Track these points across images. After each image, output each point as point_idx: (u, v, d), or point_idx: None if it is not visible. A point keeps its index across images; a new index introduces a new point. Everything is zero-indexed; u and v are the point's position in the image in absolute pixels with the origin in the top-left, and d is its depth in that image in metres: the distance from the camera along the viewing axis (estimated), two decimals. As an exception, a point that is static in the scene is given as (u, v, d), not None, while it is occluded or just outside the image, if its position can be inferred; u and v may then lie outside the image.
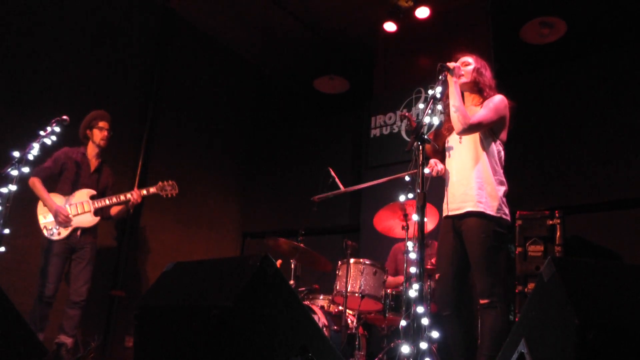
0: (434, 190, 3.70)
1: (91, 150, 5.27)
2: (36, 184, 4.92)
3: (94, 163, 5.27)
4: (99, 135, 5.26)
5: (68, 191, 5.05)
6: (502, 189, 3.57)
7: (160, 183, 5.35)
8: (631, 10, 6.34)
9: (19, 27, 5.82)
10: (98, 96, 6.40)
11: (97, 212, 5.11)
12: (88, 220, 5.05)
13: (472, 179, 3.52)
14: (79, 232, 5.00)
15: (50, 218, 4.93)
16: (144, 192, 5.26)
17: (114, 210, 5.26)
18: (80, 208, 5.03)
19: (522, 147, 6.07)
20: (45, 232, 4.90)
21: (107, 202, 5.14)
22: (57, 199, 4.98)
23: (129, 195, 5.16)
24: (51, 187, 5.03)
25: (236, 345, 2.34)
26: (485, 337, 3.37)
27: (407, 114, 3.66)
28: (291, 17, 7.51)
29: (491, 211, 3.46)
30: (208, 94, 8.08)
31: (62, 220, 4.90)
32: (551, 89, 6.31)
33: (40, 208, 4.97)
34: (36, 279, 4.86)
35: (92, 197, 5.11)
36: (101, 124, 5.28)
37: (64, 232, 4.92)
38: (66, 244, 4.94)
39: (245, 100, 8.80)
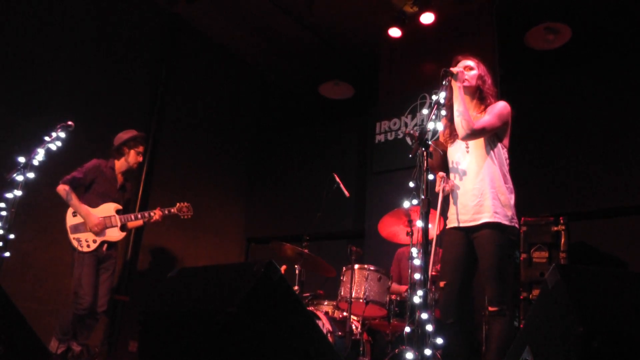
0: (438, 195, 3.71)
1: (120, 166, 5.31)
2: (68, 191, 4.95)
3: (120, 179, 5.32)
4: (134, 158, 5.32)
5: (95, 204, 5.08)
6: (513, 197, 3.56)
7: (178, 204, 5.48)
8: (636, 16, 6.33)
9: (24, 32, 5.85)
10: (103, 102, 6.43)
11: (123, 228, 5.16)
12: (115, 234, 5.11)
13: (486, 188, 3.48)
14: (105, 247, 5.05)
15: (80, 231, 4.95)
16: (166, 212, 5.37)
17: (131, 224, 5.33)
18: (108, 222, 5.07)
19: (527, 153, 6.05)
20: (75, 244, 4.91)
21: (132, 217, 5.21)
22: None
23: (152, 214, 5.26)
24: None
25: (240, 351, 2.34)
26: (492, 344, 3.35)
27: (411, 131, 3.63)
28: (296, 23, 7.53)
29: (506, 221, 3.44)
30: (213, 99, 8.10)
31: (94, 226, 4.95)
32: (556, 95, 6.31)
33: (70, 219, 4.98)
34: (42, 284, 4.87)
35: (118, 212, 5.16)
36: (140, 148, 5.36)
37: (93, 245, 4.96)
38: (95, 256, 4.98)
39: (250, 105, 8.82)
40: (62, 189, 4.94)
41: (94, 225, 4.96)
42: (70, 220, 4.99)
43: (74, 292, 4.84)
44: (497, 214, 3.43)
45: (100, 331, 6.17)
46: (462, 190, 3.59)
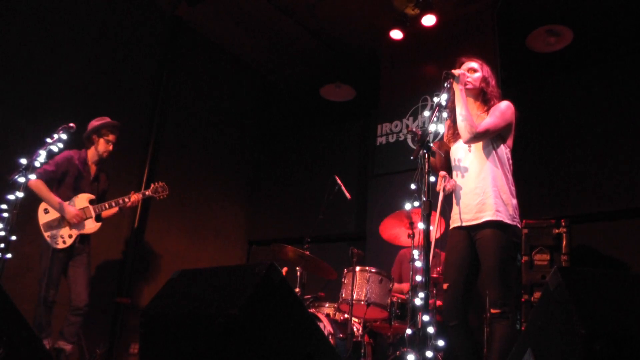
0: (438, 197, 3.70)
1: (91, 156, 5.19)
2: (40, 185, 4.79)
3: (93, 169, 5.21)
4: (104, 146, 5.18)
5: (68, 196, 4.98)
6: (514, 197, 3.56)
7: (153, 185, 5.34)
8: (638, 18, 6.33)
9: (27, 35, 5.86)
10: (105, 104, 6.42)
11: (98, 218, 5.06)
12: (90, 226, 5.01)
13: (488, 187, 3.48)
14: (78, 240, 4.94)
15: (53, 227, 4.85)
16: (140, 195, 5.24)
17: (105, 213, 5.17)
18: (84, 213, 4.97)
19: (528, 155, 6.05)
20: (49, 241, 4.80)
21: (107, 206, 5.07)
22: None
23: (126, 199, 5.13)
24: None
25: (241, 354, 2.34)
26: (495, 346, 3.35)
27: (415, 129, 3.62)
28: (298, 25, 7.53)
29: (508, 220, 3.44)
30: (214, 101, 8.11)
31: (72, 217, 4.85)
32: (557, 98, 6.30)
33: (42, 216, 4.88)
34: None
35: (91, 202, 5.06)
36: (110, 136, 5.19)
37: (69, 240, 4.86)
38: (66, 249, 4.88)
39: (252, 107, 8.82)
40: (34, 184, 4.73)
41: (73, 216, 4.85)
42: (43, 217, 4.88)
43: (43, 285, 4.68)
44: (500, 212, 3.42)
45: (101, 333, 6.17)
46: (464, 189, 3.59)
